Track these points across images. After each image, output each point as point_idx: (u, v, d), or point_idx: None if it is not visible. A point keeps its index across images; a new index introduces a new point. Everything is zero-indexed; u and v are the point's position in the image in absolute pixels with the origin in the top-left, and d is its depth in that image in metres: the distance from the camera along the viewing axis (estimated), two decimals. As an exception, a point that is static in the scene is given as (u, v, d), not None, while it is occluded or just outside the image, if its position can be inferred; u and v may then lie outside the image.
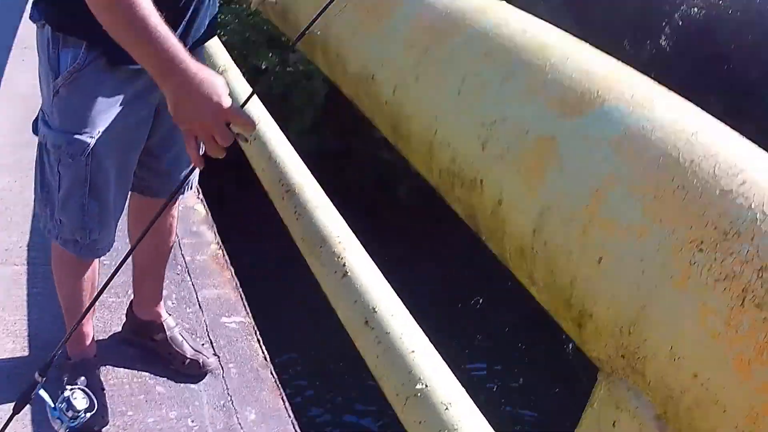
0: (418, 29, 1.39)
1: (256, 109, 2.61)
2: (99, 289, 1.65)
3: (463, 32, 1.29)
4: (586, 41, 1.18)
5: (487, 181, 1.12)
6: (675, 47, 15.97)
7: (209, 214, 3.90)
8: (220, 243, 3.68)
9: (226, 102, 1.63)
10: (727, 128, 0.91)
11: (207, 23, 2.05)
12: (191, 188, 2.53)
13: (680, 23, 16.40)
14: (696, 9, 16.22)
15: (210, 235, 3.74)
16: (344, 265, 1.94)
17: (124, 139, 2.03)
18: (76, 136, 1.94)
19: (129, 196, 2.29)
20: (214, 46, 3.20)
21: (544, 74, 1.10)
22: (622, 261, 0.86)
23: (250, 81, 2.96)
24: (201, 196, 4.04)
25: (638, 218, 0.86)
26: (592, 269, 0.90)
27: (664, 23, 16.25)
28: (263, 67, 11.01)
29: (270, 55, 10.08)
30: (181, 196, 2.54)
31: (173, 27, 1.80)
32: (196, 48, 2.01)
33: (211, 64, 2.96)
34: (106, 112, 1.95)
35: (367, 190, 10.04)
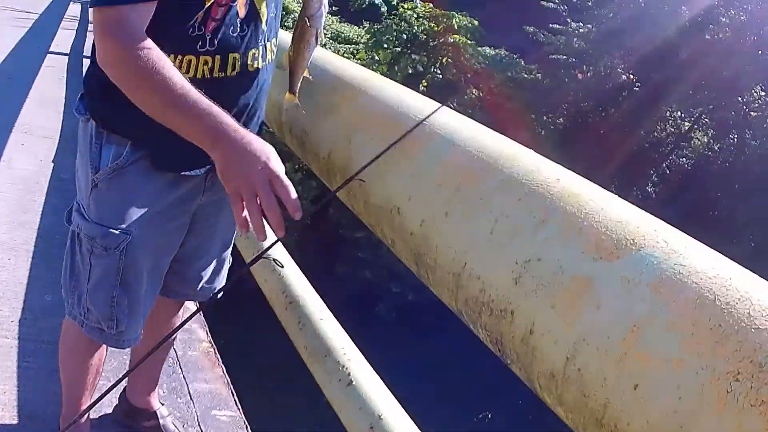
0: (449, 169, 1.48)
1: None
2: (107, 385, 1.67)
3: (495, 176, 1.38)
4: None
5: (519, 312, 1.19)
6: (662, 193, 16.29)
7: (201, 314, 3.92)
8: (212, 341, 3.69)
9: (276, 164, 1.65)
10: (758, 277, 1.01)
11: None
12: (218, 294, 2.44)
13: (668, 171, 16.76)
14: (684, 159, 16.61)
15: (202, 333, 3.75)
16: (349, 374, 2.02)
17: (160, 241, 2.09)
18: (112, 231, 1.96)
19: None
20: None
21: (579, 221, 1.19)
22: (659, 389, 0.94)
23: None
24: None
25: (676, 351, 0.94)
26: (628, 395, 0.98)
27: (651, 171, 16.60)
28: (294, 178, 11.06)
29: (286, 163, 10.15)
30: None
31: None
32: None
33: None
34: (145, 212, 2.00)
35: (350, 307, 10.08)
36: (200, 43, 1.83)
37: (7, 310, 3.59)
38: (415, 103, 1.75)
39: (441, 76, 14.35)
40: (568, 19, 17.37)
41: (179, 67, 1.78)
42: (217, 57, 1.86)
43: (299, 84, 1.93)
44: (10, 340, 3.33)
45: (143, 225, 1.99)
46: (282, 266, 1.78)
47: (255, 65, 1.95)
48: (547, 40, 17.20)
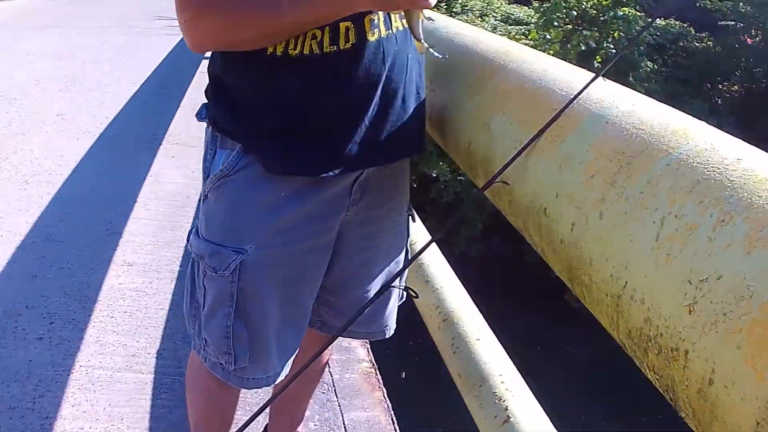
0: (602, 155, 1.18)
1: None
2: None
3: (660, 160, 1.08)
4: None
5: (694, 353, 0.90)
6: None
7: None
8: (373, 361, 3.48)
9: None
10: None
11: (404, 129, 1.81)
12: (387, 333, 2.14)
13: None
14: None
15: (362, 352, 3.55)
16: (506, 408, 1.76)
17: (289, 264, 1.80)
18: (220, 248, 1.74)
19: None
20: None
21: None
22: None
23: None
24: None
25: None
26: None
27: None
28: (434, 175, 11.09)
29: (441, 163, 10.11)
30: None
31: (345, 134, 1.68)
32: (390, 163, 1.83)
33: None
34: (261, 227, 1.74)
35: (538, 293, 9.80)
36: None
37: (144, 341, 3.52)
38: (563, 75, 1.47)
39: (614, 51, 13.95)
40: None
41: (287, 44, 1.60)
42: (326, 28, 1.60)
43: (420, 28, 1.57)
44: (146, 375, 3.25)
45: (261, 243, 1.74)
46: (416, 296, 1.51)
47: (376, 34, 1.66)
48: (714, 6, 16.67)
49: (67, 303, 3.86)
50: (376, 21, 1.65)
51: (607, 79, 1.39)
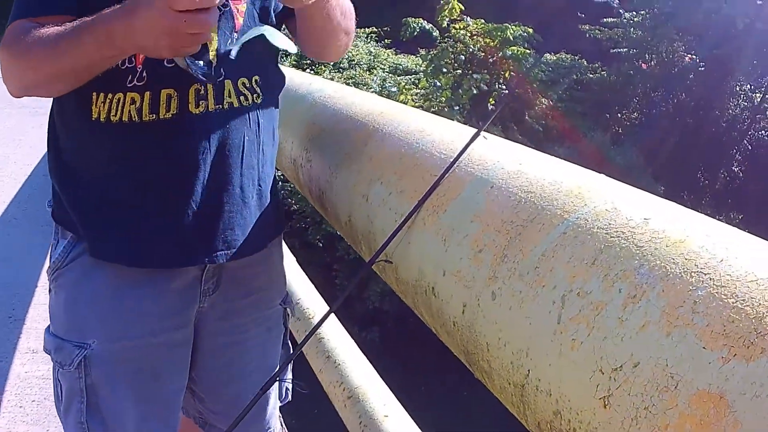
0: (488, 226, 1.03)
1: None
2: None
3: (554, 228, 0.94)
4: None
5: (618, 455, 0.73)
6: (750, 171, 16.13)
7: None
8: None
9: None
10: None
11: (248, 222, 1.62)
12: None
13: (749, 147, 16.52)
14: (764, 131, 16.42)
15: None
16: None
17: (140, 360, 1.61)
18: (64, 342, 1.59)
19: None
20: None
21: (690, 290, 0.74)
22: None
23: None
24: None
25: None
26: None
27: (734, 150, 16.40)
28: (338, 234, 10.90)
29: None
30: None
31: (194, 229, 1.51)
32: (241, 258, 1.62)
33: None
34: (101, 320, 1.58)
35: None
36: (130, 77, 1.46)
37: (54, 429, 3.27)
38: (442, 135, 1.34)
39: (507, 91, 14.08)
40: (620, 10, 17.11)
41: (109, 109, 1.46)
42: (147, 94, 1.45)
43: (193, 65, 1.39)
44: None
45: (104, 337, 1.57)
46: (306, 391, 1.34)
47: (201, 107, 1.49)
48: (605, 36, 17.24)
49: (-27, 394, 3.63)
50: (203, 92, 1.49)
51: (488, 135, 1.24)
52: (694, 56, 16.76)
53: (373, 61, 16.41)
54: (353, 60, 15.74)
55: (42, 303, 4.65)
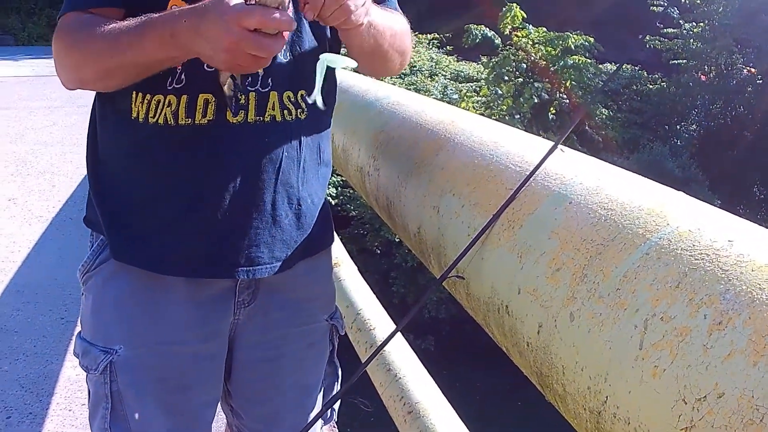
0: (567, 244, 1.02)
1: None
2: None
3: (636, 248, 0.92)
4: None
5: (700, 489, 0.72)
6: None
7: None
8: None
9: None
10: None
11: (276, 240, 1.58)
12: None
13: None
14: None
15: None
16: None
17: (168, 369, 1.60)
18: (90, 347, 1.58)
19: None
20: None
21: None
22: None
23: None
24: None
25: None
26: None
27: None
28: (396, 240, 10.94)
29: None
30: None
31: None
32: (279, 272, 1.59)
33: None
34: (128, 326, 1.57)
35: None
36: (170, 79, 1.45)
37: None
38: (517, 148, 1.32)
39: (567, 101, 14.04)
40: (680, 21, 17.14)
41: (148, 110, 1.46)
42: (184, 97, 1.45)
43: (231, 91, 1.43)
44: None
45: (131, 343, 1.56)
46: (370, 409, 1.33)
47: (240, 116, 1.47)
48: (664, 46, 17.25)
49: (24, 396, 3.70)
50: (243, 102, 1.47)
51: (565, 149, 1.23)
52: (752, 69, 16.67)
53: (435, 67, 16.46)
54: (415, 66, 15.79)
55: (95, 305, 4.73)
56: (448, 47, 18.32)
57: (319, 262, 1.71)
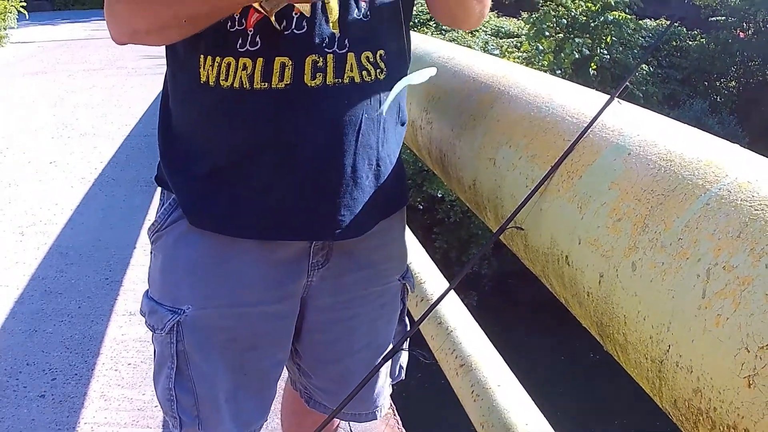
0: (627, 194, 1.03)
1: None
2: None
3: (697, 198, 0.93)
4: None
5: (760, 434, 0.74)
6: None
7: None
8: (392, 402, 3.31)
9: None
10: None
11: (355, 205, 1.56)
12: (378, 415, 1.92)
13: None
14: None
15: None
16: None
17: (236, 329, 1.63)
18: (158, 306, 1.62)
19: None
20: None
21: None
22: None
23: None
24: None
25: None
26: None
27: None
28: (440, 195, 11.04)
29: (445, 183, 10.08)
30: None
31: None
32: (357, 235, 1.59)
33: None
34: (197, 287, 1.59)
35: (551, 307, 9.72)
36: (240, 41, 1.43)
37: (151, 394, 3.39)
38: (572, 100, 1.33)
39: (608, 57, 13.99)
40: None
41: (218, 73, 1.45)
42: (259, 60, 1.43)
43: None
44: (153, 430, 3.20)
45: (199, 304, 1.59)
46: (428, 360, 1.36)
47: (318, 79, 1.45)
48: (703, 2, 17.40)
49: (69, 357, 3.81)
50: (321, 64, 1.45)
51: (622, 102, 1.24)
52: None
53: (476, 23, 16.49)
54: (456, 21, 15.81)
55: (140, 264, 4.82)
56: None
57: (393, 222, 1.72)
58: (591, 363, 9.71)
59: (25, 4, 19.14)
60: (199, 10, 1.34)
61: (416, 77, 1.36)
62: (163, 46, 1.56)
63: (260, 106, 1.45)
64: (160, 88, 1.68)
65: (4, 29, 18.52)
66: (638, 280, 0.95)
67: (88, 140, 8.46)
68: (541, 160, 1.25)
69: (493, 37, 15.66)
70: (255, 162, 1.48)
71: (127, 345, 3.89)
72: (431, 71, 1.39)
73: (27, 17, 19.73)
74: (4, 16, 18.38)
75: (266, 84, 1.43)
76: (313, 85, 1.45)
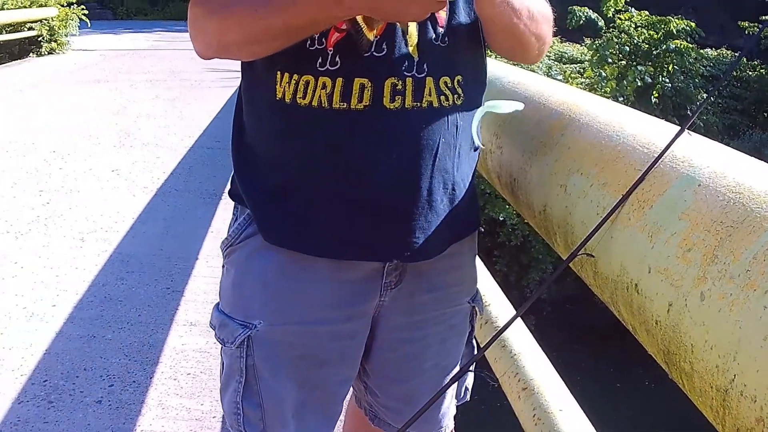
0: (697, 225, 1.06)
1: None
2: None
3: (764, 231, 0.96)
4: None
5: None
6: None
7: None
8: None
9: None
10: None
11: (428, 227, 1.58)
12: None
13: None
14: None
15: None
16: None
17: (307, 346, 1.65)
18: (229, 320, 1.65)
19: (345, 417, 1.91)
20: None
21: None
22: None
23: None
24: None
25: None
26: None
27: None
28: (501, 218, 11.04)
29: (507, 206, 10.05)
30: None
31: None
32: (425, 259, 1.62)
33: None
34: (269, 302, 1.62)
35: (609, 333, 9.66)
36: (320, 59, 1.45)
37: (209, 404, 3.50)
38: (642, 130, 1.36)
39: (670, 85, 13.93)
40: None
41: (295, 91, 1.48)
42: (339, 80, 1.45)
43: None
44: None
45: (270, 319, 1.62)
46: (495, 383, 1.39)
47: (397, 102, 1.47)
48: (764, 33, 16.87)
49: (127, 365, 3.86)
50: (400, 88, 1.47)
51: (692, 133, 1.27)
52: None
53: (540, 48, 16.53)
54: (520, 47, 15.90)
55: (202, 275, 4.88)
56: (554, 27, 18.38)
57: (465, 245, 1.75)
58: (646, 390, 9.63)
59: (87, 12, 19.45)
60: (295, 22, 1.37)
61: (504, 106, 1.40)
62: (239, 62, 1.60)
63: (338, 126, 1.47)
64: (223, 101, 1.74)
65: (66, 35, 18.85)
66: (706, 310, 0.98)
67: (150, 150, 8.59)
68: (612, 188, 1.28)
69: (556, 62, 15.66)
70: (329, 180, 1.51)
71: (187, 355, 3.94)
72: (518, 105, 1.43)
73: (89, 25, 20.05)
74: (66, 23, 18.71)
75: (345, 104, 1.45)
76: (391, 107, 1.47)
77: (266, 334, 1.62)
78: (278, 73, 1.49)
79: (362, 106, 1.46)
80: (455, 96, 1.54)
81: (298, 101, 1.48)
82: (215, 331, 1.70)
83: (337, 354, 1.69)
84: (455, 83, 1.54)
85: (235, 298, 1.66)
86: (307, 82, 1.46)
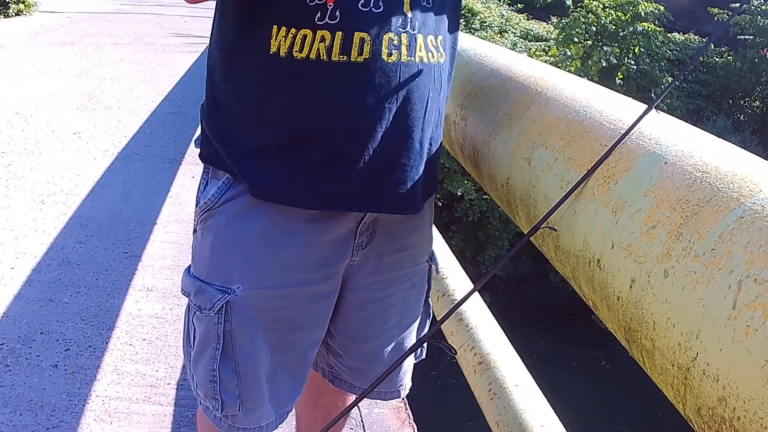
0: (663, 202, 1.05)
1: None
2: None
3: (731, 211, 0.95)
4: None
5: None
6: None
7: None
8: (406, 403, 3.34)
9: None
10: None
11: (417, 177, 1.63)
12: (402, 393, 1.99)
13: None
14: None
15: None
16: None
17: (283, 310, 1.65)
18: (206, 286, 1.63)
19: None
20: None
21: None
22: None
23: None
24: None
25: None
26: None
27: None
28: (459, 193, 11.09)
29: (465, 182, 10.09)
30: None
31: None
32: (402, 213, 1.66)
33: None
34: (249, 266, 1.61)
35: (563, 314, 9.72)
36: (319, 14, 1.45)
37: (164, 371, 3.44)
38: (610, 107, 1.34)
39: (635, 67, 14.02)
40: None
41: (292, 44, 1.46)
42: (339, 34, 1.45)
43: None
44: (165, 407, 3.17)
45: (250, 283, 1.61)
46: (455, 353, 1.38)
47: (394, 56, 1.49)
48: (733, 20, 17.12)
49: (84, 329, 3.82)
50: (396, 42, 1.49)
51: (660, 112, 1.26)
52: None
53: (505, 24, 16.67)
54: (485, 22, 15.90)
55: (160, 240, 4.84)
56: (519, 5, 18.44)
57: (426, 205, 1.76)
58: (603, 372, 9.74)
59: (55, -27, 19.21)
60: None
61: None
62: (217, 20, 1.59)
63: (337, 78, 1.47)
64: (187, 66, 1.69)
65: (33, -3, 18.60)
66: (670, 287, 0.97)
67: (112, 114, 8.49)
68: (577, 163, 1.27)
69: (521, 39, 15.73)
70: (325, 132, 1.51)
71: (143, 320, 3.91)
72: None
73: (57, -14, 19.81)
74: (33, -16, 18.46)
75: (345, 57, 1.46)
76: (389, 60, 1.49)
77: (244, 298, 1.61)
78: (274, 27, 1.48)
79: (362, 59, 1.47)
80: (439, 54, 1.58)
81: (294, 54, 1.47)
82: (190, 297, 1.68)
83: (310, 316, 1.70)
84: (438, 42, 1.58)
85: (213, 263, 1.64)
86: (305, 36, 1.46)
